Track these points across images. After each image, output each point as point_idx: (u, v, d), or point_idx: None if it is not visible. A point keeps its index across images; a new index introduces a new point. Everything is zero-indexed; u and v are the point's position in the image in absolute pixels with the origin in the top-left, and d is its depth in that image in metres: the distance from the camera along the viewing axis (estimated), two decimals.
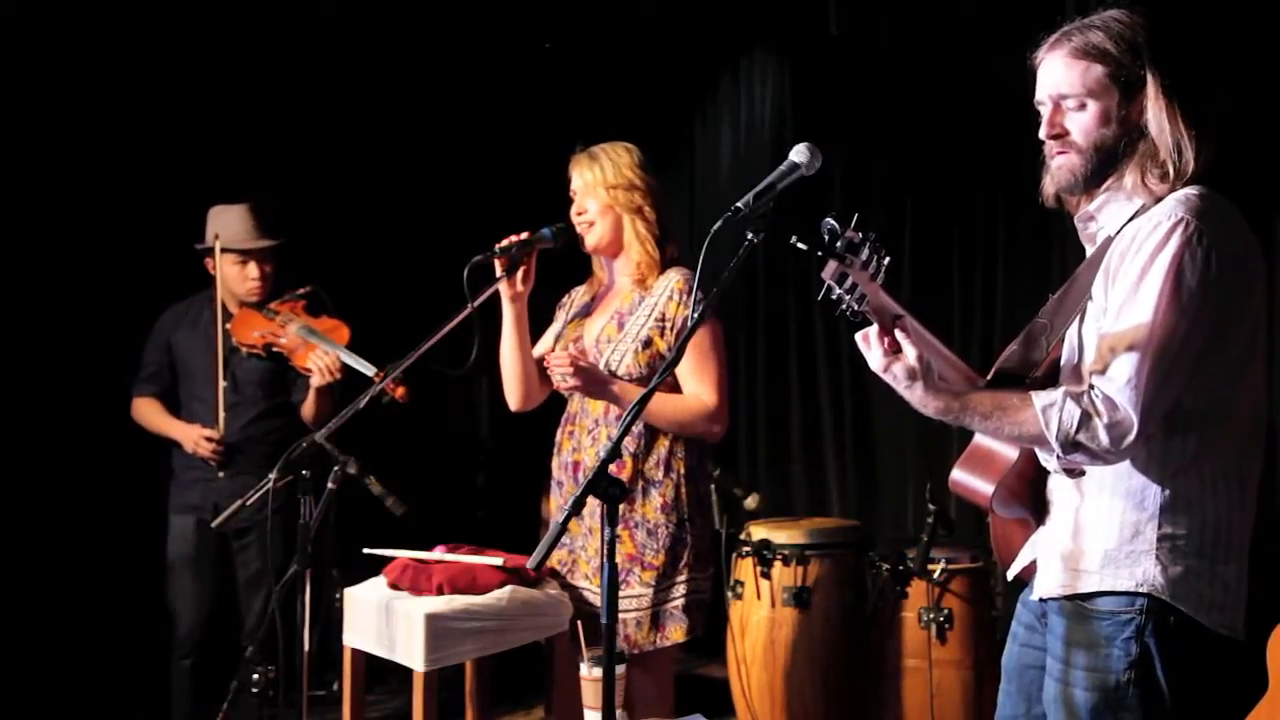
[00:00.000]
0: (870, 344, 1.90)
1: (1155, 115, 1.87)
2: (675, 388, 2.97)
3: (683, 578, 2.93)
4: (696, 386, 2.95)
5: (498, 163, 5.20)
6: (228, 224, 3.78)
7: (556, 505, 3.07)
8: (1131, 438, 1.80)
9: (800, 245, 1.77)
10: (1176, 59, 1.89)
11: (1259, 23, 3.71)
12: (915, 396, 1.89)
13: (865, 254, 1.76)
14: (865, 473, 4.99)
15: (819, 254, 1.75)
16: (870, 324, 1.89)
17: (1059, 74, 1.92)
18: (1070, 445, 1.81)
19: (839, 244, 1.74)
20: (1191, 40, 1.95)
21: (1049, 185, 2.01)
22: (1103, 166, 1.92)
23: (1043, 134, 1.96)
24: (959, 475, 2.06)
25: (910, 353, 1.88)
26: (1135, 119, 1.89)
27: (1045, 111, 1.96)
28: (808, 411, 5.14)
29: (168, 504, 3.83)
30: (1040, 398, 1.84)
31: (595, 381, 2.90)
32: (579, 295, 3.21)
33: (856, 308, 1.80)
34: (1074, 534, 1.95)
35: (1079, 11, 4.04)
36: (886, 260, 1.78)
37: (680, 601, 2.93)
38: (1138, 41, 1.88)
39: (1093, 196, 1.97)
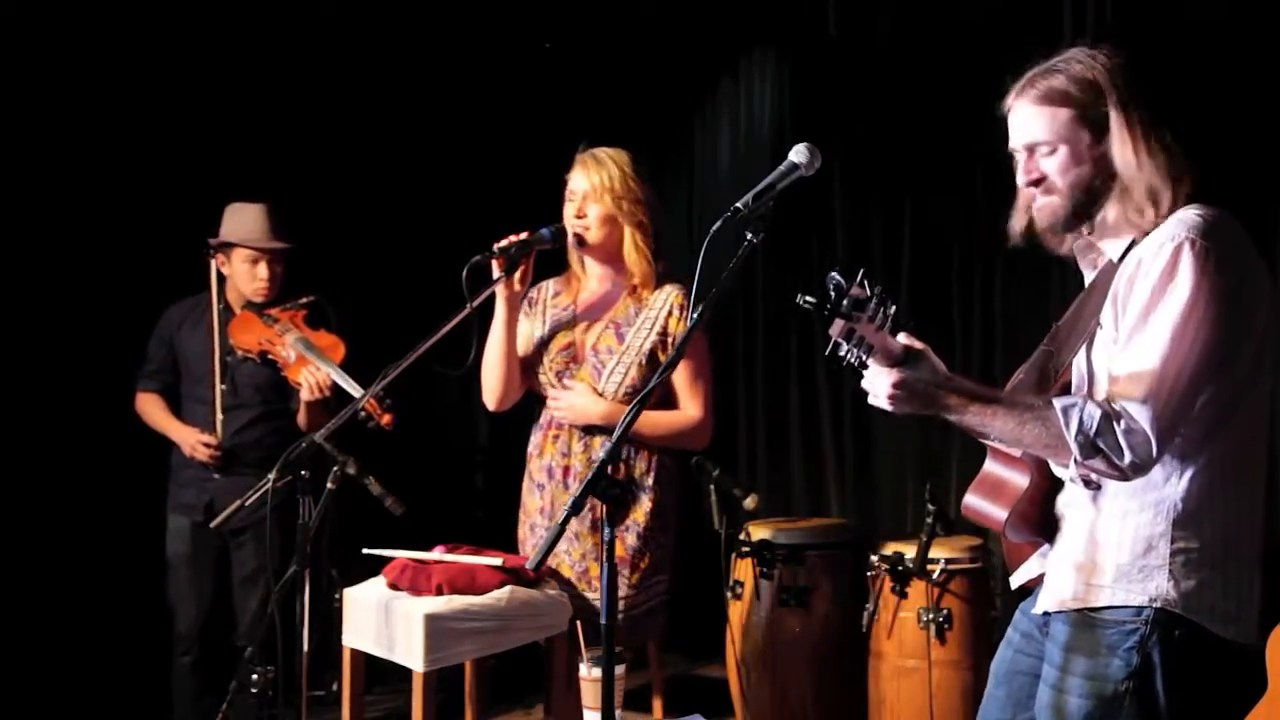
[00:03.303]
0: (877, 373, 1.88)
1: (1120, 152, 1.90)
2: (665, 393, 3.03)
3: (659, 577, 3.03)
4: (688, 399, 3.03)
5: (498, 163, 5.20)
6: (244, 222, 3.78)
7: (537, 507, 3.09)
8: (1150, 454, 1.79)
9: (807, 304, 1.76)
10: (1143, 94, 1.91)
11: (1248, 36, 3.73)
12: (935, 394, 1.87)
13: (871, 309, 1.75)
14: (865, 473, 4.99)
15: (826, 311, 1.74)
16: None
17: (1028, 123, 1.96)
18: (1089, 448, 1.80)
19: (845, 302, 1.73)
20: (1154, 73, 1.97)
21: (1022, 224, 2.06)
22: (1083, 205, 1.95)
23: (1021, 182, 1.99)
24: (971, 501, 2.07)
25: (920, 345, 1.89)
26: (1106, 157, 1.92)
27: (1020, 159, 1.99)
28: (807, 411, 5.14)
29: (167, 503, 3.83)
30: (1061, 400, 1.84)
31: (580, 415, 3.00)
32: (550, 294, 3.19)
33: (865, 359, 1.80)
34: (1088, 549, 1.94)
35: (1076, 14, 4.10)
36: (893, 310, 1.77)
37: (658, 601, 3.02)
38: (1099, 81, 1.91)
39: (1087, 230, 1.99)
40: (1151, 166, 1.88)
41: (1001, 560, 2.30)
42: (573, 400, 3.01)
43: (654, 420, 2.99)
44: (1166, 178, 1.88)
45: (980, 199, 4.52)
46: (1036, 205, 1.99)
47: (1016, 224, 2.08)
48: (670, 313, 3.01)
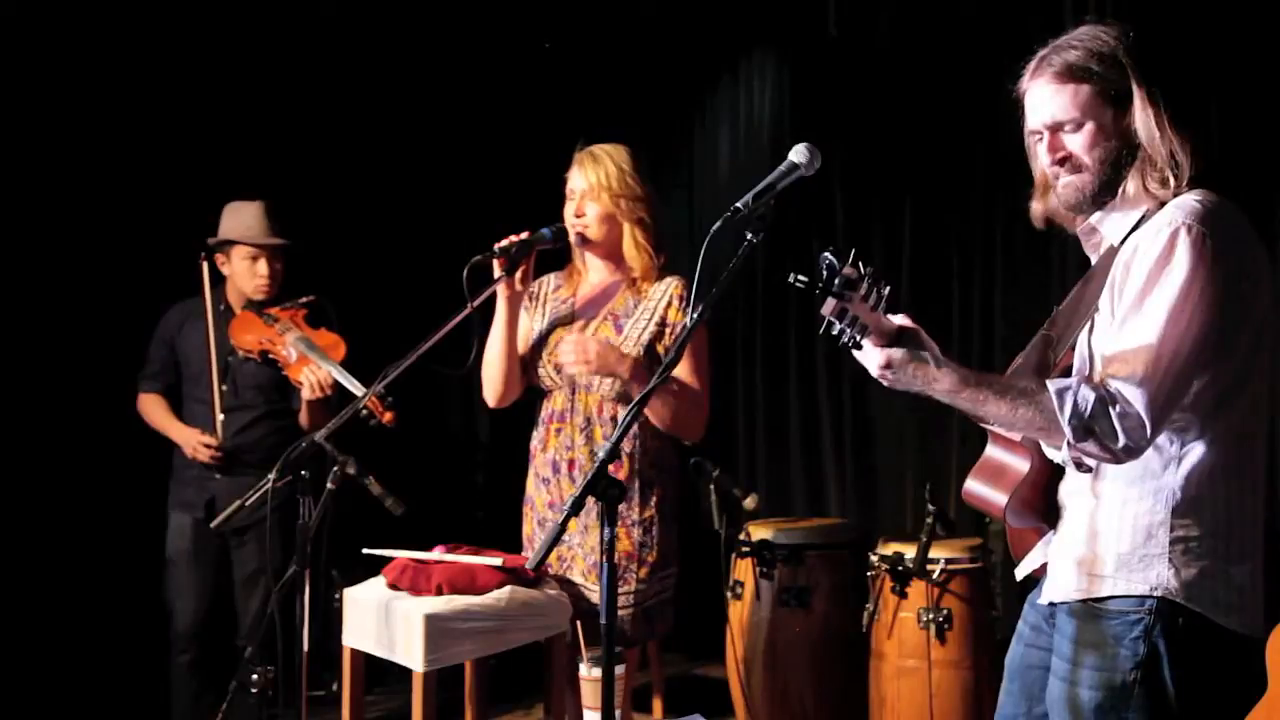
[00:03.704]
0: (869, 349, 1.88)
1: (1144, 124, 1.88)
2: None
3: (669, 570, 3.02)
4: (689, 385, 2.99)
5: (498, 163, 5.20)
6: (243, 219, 3.78)
7: (545, 502, 3.09)
8: (1144, 438, 1.79)
9: (799, 282, 1.76)
10: (1157, 67, 1.90)
11: (1248, 23, 3.73)
12: (927, 373, 1.85)
13: (864, 288, 1.75)
14: (865, 473, 4.99)
15: (817, 290, 1.74)
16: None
17: (1049, 102, 1.93)
18: (1083, 431, 1.79)
19: (837, 281, 1.74)
20: (1169, 47, 1.96)
21: (1042, 207, 2.04)
22: (1110, 181, 1.93)
23: (1046, 162, 1.97)
24: (972, 486, 2.06)
25: (914, 325, 1.88)
26: (1129, 130, 1.90)
27: (1043, 140, 1.97)
28: (807, 411, 5.14)
29: (168, 501, 3.84)
30: (1055, 382, 1.83)
31: (607, 362, 2.89)
32: (550, 288, 3.18)
33: (858, 339, 1.79)
34: (1089, 539, 1.94)
35: (1076, 12, 4.10)
36: (887, 290, 1.77)
37: (666, 595, 3.01)
38: (1118, 55, 1.90)
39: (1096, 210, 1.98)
40: (1174, 136, 1.87)
41: (1002, 558, 2.30)
42: (593, 346, 2.88)
43: (663, 395, 2.92)
44: (1185, 150, 1.87)
45: (980, 199, 4.52)
46: (1062, 183, 1.96)
47: (1038, 206, 2.05)
48: (669, 303, 3.00)
